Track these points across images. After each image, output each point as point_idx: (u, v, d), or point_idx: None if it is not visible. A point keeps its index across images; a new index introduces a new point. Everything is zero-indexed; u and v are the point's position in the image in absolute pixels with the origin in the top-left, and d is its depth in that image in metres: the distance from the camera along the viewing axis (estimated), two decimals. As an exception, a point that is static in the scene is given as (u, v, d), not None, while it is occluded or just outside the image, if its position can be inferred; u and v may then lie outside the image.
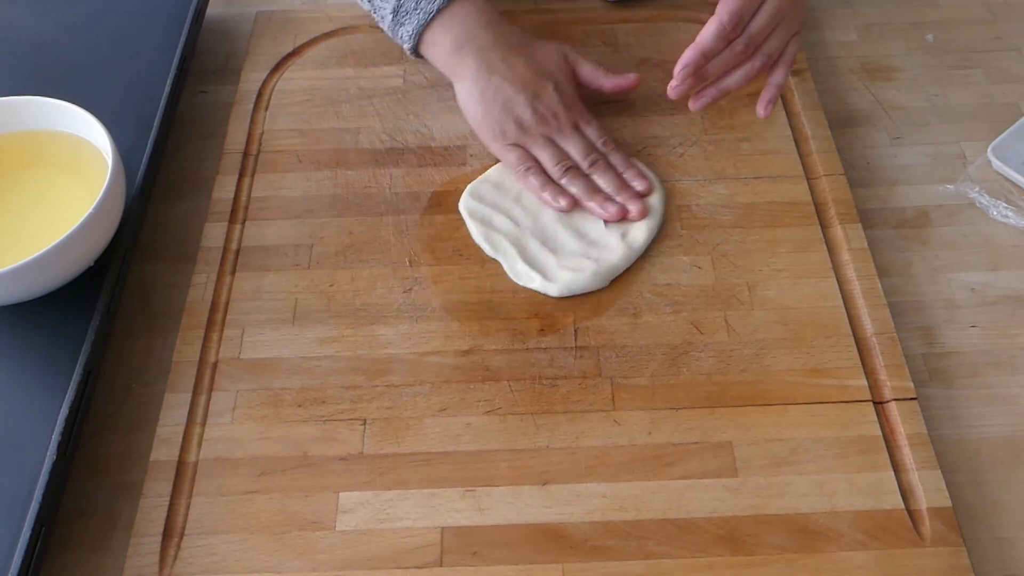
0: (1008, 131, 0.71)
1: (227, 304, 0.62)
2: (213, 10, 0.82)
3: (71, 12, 0.78)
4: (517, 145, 0.67)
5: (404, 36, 0.68)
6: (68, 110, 0.62)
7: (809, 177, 0.68)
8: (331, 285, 0.63)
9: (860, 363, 0.58)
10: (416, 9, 0.66)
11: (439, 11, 0.66)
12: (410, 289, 0.63)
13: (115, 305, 0.61)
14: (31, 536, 0.49)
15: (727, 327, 0.60)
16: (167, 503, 0.53)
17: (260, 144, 0.72)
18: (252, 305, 0.62)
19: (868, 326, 0.60)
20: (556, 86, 0.67)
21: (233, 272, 0.64)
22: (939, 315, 0.63)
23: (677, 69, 0.63)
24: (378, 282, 0.63)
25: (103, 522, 0.54)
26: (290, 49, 0.78)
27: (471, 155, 0.70)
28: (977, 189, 0.69)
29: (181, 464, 0.55)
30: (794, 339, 0.59)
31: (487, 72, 0.66)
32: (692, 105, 0.66)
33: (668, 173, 0.69)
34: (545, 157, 0.66)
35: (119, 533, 0.54)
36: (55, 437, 0.53)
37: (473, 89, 0.66)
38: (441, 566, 0.51)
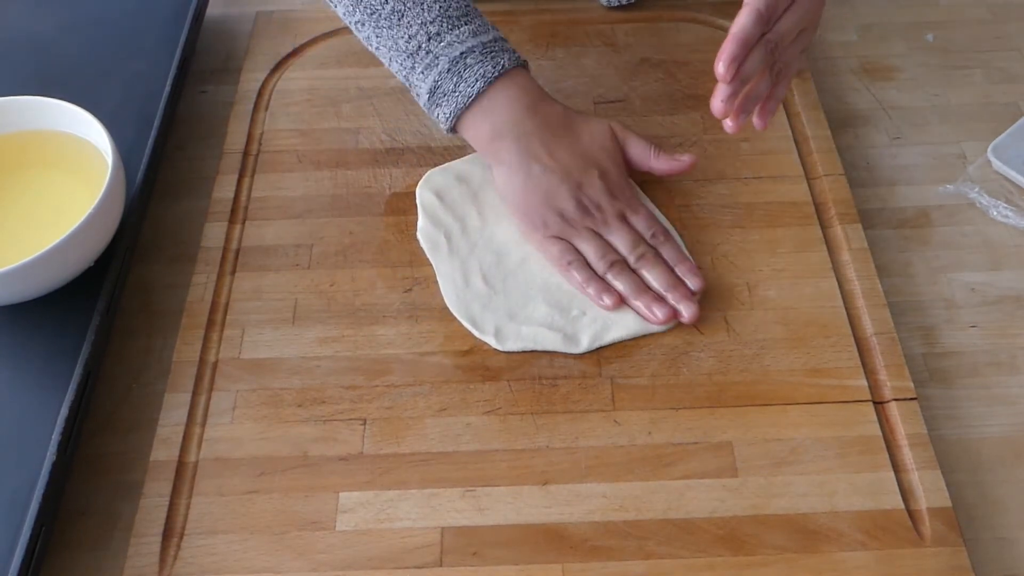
0: (1008, 131, 0.71)
1: (227, 304, 0.62)
2: (213, 10, 0.82)
3: (71, 12, 0.78)
4: (560, 238, 0.62)
5: (441, 117, 0.63)
6: (68, 110, 0.62)
7: (809, 177, 0.68)
8: (331, 285, 0.63)
9: (860, 363, 0.58)
10: (454, 92, 0.61)
11: (479, 95, 0.61)
12: (410, 289, 0.63)
13: (115, 305, 0.61)
14: (31, 536, 0.49)
15: (727, 327, 0.60)
16: (167, 503, 0.53)
17: (260, 144, 0.72)
18: (252, 305, 0.62)
19: (868, 326, 0.60)
20: (602, 174, 0.63)
21: (233, 272, 0.64)
22: (939, 315, 0.63)
23: (723, 62, 0.53)
24: (378, 282, 0.63)
25: (103, 522, 0.54)
26: (290, 49, 0.78)
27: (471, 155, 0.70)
28: (977, 189, 0.69)
29: (181, 464, 0.55)
30: (794, 339, 0.59)
31: (528, 160, 0.61)
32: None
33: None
34: (589, 251, 0.61)
35: (119, 533, 0.54)
36: (55, 437, 0.53)
37: (514, 178, 0.62)
38: (441, 566, 0.51)
